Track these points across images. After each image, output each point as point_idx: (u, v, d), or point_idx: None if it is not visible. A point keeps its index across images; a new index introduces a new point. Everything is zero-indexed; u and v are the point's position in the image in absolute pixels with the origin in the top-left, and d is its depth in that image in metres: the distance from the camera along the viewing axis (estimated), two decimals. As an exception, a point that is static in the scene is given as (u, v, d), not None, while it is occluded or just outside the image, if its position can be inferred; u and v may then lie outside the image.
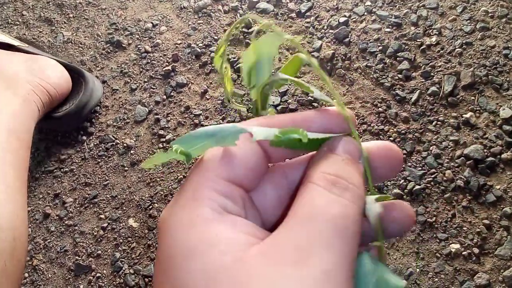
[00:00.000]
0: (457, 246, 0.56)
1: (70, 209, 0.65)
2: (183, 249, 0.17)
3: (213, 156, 0.19)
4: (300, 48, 0.21)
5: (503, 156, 0.59)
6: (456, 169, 0.60)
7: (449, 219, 0.58)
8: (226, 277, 0.16)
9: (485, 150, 0.60)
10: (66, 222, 0.64)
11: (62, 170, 0.67)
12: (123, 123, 0.69)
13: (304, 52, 0.21)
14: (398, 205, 0.21)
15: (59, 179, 0.67)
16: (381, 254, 0.21)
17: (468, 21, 0.68)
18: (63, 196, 0.66)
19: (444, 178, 0.59)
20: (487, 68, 0.65)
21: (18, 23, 0.79)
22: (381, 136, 0.63)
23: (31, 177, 0.67)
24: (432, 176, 0.60)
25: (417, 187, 0.59)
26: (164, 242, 0.18)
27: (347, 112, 0.20)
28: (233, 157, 0.19)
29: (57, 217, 0.65)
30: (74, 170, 0.67)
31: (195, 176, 0.19)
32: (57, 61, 0.68)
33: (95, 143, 0.68)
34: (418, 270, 0.56)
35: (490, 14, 0.68)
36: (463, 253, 0.56)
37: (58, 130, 0.70)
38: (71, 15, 0.79)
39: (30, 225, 0.65)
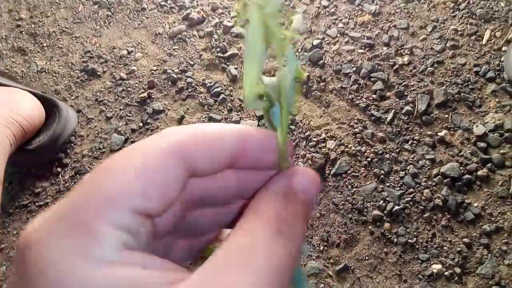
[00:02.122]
0: (439, 266, 0.56)
1: (45, 244, 0.63)
2: None
3: (116, 174, 0.15)
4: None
5: (479, 173, 0.60)
6: (434, 187, 0.60)
7: (429, 239, 0.57)
8: None
9: (461, 168, 0.60)
10: (41, 258, 0.62)
11: (36, 204, 0.65)
12: (99, 152, 0.68)
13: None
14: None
15: (33, 213, 0.65)
16: None
17: (438, 40, 0.70)
18: (38, 231, 0.64)
19: (423, 197, 0.59)
20: (459, 86, 0.66)
21: (-10, 54, 0.78)
22: (358, 157, 0.63)
23: (5, 213, 0.65)
24: (411, 196, 0.60)
25: (397, 207, 0.59)
26: (28, 275, 0.14)
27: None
28: (143, 178, 0.15)
29: (32, 253, 0.63)
30: (49, 204, 0.65)
31: (92, 199, 0.15)
32: (30, 91, 0.67)
33: (71, 175, 0.67)
34: (401, 292, 0.55)
35: (459, 32, 0.70)
36: (445, 273, 0.56)
37: (32, 162, 0.68)
38: (44, 44, 0.78)
39: (4, 263, 0.62)
